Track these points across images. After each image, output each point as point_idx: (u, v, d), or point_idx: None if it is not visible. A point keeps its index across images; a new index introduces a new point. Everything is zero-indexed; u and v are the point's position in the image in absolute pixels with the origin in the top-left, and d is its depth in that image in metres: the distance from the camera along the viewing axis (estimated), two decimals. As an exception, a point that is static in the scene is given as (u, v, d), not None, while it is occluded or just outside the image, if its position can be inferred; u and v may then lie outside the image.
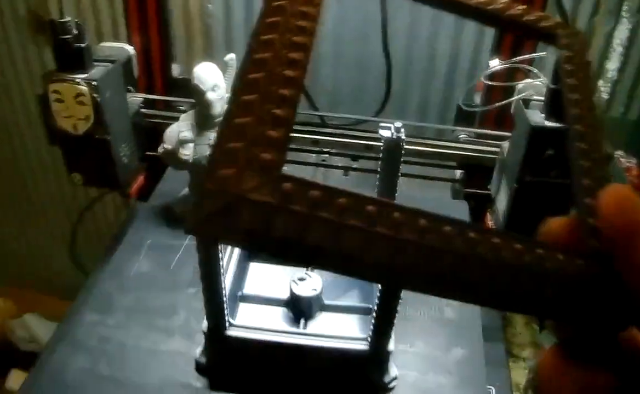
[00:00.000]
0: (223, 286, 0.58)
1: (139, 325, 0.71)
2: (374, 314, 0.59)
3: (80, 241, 1.29)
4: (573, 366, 0.23)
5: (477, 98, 1.00)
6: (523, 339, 1.40)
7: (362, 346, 0.61)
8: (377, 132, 0.65)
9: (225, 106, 0.81)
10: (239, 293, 0.73)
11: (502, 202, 0.82)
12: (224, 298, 0.59)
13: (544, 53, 0.75)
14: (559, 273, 0.21)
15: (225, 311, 0.61)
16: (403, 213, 0.20)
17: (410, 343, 0.70)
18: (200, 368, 0.65)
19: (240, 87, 0.22)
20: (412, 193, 0.91)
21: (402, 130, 0.66)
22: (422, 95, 1.77)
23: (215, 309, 0.60)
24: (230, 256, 0.71)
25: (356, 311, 0.72)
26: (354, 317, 0.71)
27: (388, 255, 0.19)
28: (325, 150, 1.00)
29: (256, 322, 0.65)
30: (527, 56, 0.75)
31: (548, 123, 0.72)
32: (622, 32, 1.19)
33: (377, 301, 0.58)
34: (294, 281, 0.71)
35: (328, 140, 0.99)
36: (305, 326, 0.69)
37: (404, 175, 1.01)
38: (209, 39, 1.67)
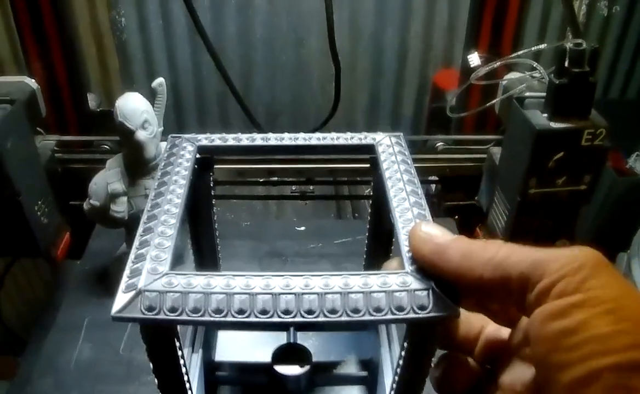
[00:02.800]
0: (187, 387, 0.44)
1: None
2: (392, 392, 0.46)
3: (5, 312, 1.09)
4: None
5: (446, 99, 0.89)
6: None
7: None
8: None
9: (160, 145, 0.66)
10: (212, 374, 0.58)
11: (499, 217, 0.71)
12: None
13: (544, 45, 0.65)
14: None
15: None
16: None
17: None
18: None
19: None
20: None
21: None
22: (371, 94, 1.67)
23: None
24: (194, 331, 0.56)
25: (356, 382, 0.59)
26: (353, 391, 0.58)
27: None
28: (279, 179, 0.87)
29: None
30: (526, 50, 0.64)
31: (554, 125, 0.61)
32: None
33: (397, 371, 0.44)
34: (275, 356, 0.56)
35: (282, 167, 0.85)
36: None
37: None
38: (125, 59, 1.49)
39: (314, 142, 0.46)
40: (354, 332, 0.62)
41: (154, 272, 0.32)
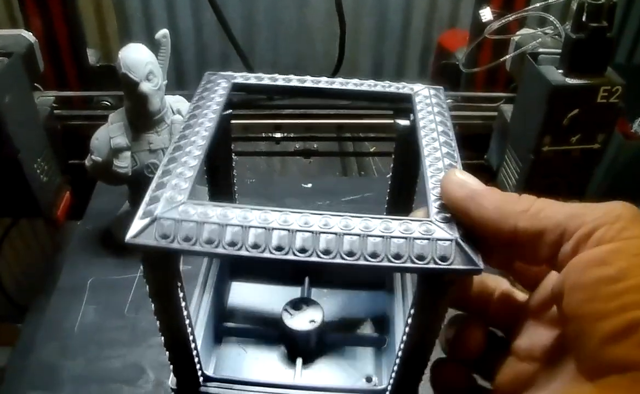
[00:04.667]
0: (189, 331, 0.43)
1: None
2: (399, 352, 0.45)
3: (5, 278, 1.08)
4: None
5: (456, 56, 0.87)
6: None
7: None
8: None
9: (165, 98, 0.64)
10: (221, 324, 0.57)
11: (510, 176, 0.69)
12: (194, 345, 0.43)
13: (562, -2, 0.63)
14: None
15: (197, 364, 0.45)
16: None
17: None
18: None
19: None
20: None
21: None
22: (374, 57, 1.64)
23: (183, 361, 0.44)
24: (205, 280, 0.55)
25: (367, 343, 0.58)
26: (365, 352, 0.57)
27: None
28: (282, 136, 0.85)
29: (239, 369, 0.51)
30: (543, 3, 0.62)
31: (570, 81, 0.60)
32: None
33: (405, 330, 0.43)
34: (286, 310, 0.55)
35: (286, 123, 0.83)
36: (303, 368, 0.54)
37: (377, 154, 0.89)
38: (124, 18, 1.45)
39: (350, 87, 0.45)
40: (370, 292, 0.61)
41: (172, 200, 0.31)
